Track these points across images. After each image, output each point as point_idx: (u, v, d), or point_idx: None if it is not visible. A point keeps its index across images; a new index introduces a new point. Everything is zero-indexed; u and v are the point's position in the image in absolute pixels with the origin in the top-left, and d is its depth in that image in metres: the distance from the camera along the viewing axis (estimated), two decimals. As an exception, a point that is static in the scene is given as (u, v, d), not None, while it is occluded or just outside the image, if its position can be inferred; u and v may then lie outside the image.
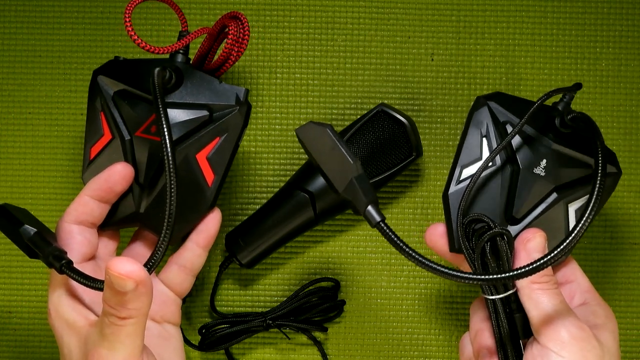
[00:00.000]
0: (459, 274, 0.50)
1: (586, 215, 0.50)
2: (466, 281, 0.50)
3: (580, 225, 0.50)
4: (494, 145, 0.57)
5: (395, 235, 0.51)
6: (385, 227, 0.51)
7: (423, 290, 0.70)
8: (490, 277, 0.49)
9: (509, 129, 0.57)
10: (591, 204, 0.51)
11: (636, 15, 0.70)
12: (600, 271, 0.70)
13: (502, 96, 0.59)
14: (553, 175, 0.56)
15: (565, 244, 0.50)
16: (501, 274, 0.49)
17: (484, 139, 0.57)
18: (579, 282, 0.57)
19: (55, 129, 0.70)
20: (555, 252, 0.49)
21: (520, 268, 0.49)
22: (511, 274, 0.49)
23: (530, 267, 0.49)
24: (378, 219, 0.52)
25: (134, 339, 0.51)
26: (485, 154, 0.57)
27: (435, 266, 0.50)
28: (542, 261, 0.49)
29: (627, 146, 0.70)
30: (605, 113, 0.70)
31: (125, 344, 0.51)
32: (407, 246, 0.51)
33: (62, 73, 0.70)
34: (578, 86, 0.57)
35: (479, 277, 0.50)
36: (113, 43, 0.70)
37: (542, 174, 0.56)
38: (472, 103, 0.59)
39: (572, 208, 0.57)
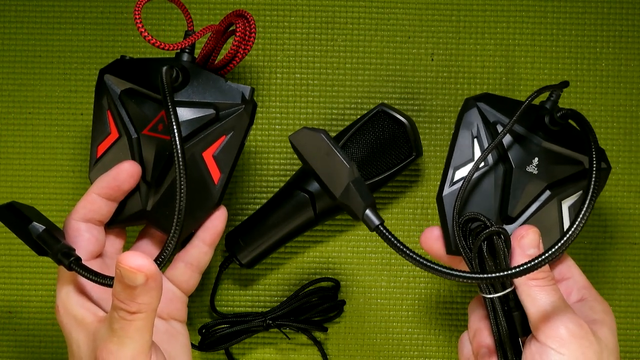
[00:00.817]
0: (458, 273, 0.50)
1: (583, 211, 0.50)
2: (466, 280, 0.50)
3: (577, 221, 0.50)
4: (486, 145, 0.57)
5: (395, 238, 0.51)
6: (384, 230, 0.51)
7: (423, 290, 0.70)
8: (490, 275, 0.49)
9: (500, 128, 0.57)
10: (587, 200, 0.51)
11: (636, 15, 0.70)
12: (600, 271, 0.70)
13: (490, 97, 0.59)
14: (545, 173, 0.56)
15: (564, 239, 0.50)
16: (500, 272, 0.49)
17: (475, 140, 0.57)
18: (575, 279, 0.57)
19: (55, 129, 0.70)
20: (555, 248, 0.49)
21: (520, 266, 0.49)
22: (510, 272, 0.49)
23: (530, 264, 0.49)
24: (377, 222, 0.52)
25: (143, 334, 0.51)
26: (477, 154, 0.57)
27: (436, 267, 0.50)
28: (541, 258, 0.49)
29: (627, 146, 0.70)
30: (605, 113, 0.70)
31: (135, 339, 0.51)
32: (407, 248, 0.50)
33: (62, 73, 0.70)
34: (565, 84, 0.57)
35: (479, 276, 0.50)
36: (113, 43, 0.70)
37: (535, 172, 0.56)
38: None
39: (565, 205, 0.57)
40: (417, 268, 0.70)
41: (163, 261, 0.54)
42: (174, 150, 0.53)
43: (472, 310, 0.58)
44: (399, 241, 0.51)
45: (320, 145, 0.54)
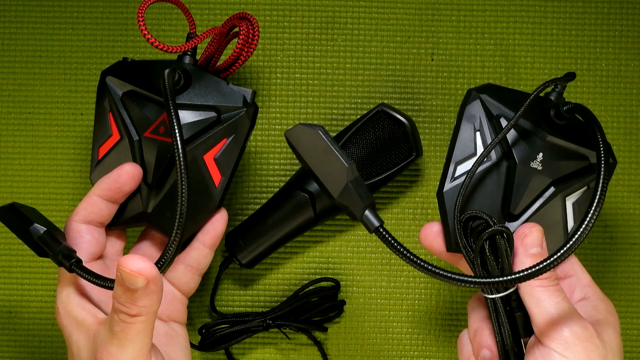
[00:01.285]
0: (461, 277, 0.48)
1: (592, 211, 0.49)
2: (469, 285, 0.49)
3: (587, 220, 0.48)
4: (488, 139, 0.55)
5: (395, 240, 0.50)
6: (384, 232, 0.50)
7: (423, 290, 0.70)
8: (494, 280, 0.48)
9: (503, 122, 0.55)
10: (596, 200, 0.49)
11: (636, 15, 0.70)
12: (600, 271, 0.70)
13: (493, 88, 0.57)
14: (550, 168, 0.55)
15: (573, 240, 0.48)
16: (504, 277, 0.48)
17: (478, 134, 0.56)
18: (578, 277, 0.56)
19: (55, 129, 0.70)
20: (563, 250, 0.48)
21: (525, 270, 0.48)
22: (515, 276, 0.48)
23: (535, 268, 0.47)
24: (377, 224, 0.50)
25: (143, 337, 0.51)
26: (480, 149, 0.55)
27: (438, 270, 0.48)
28: (548, 262, 0.47)
29: (627, 146, 0.70)
30: (605, 113, 0.70)
31: (135, 342, 0.51)
32: (407, 251, 0.49)
33: (62, 73, 0.70)
34: (571, 76, 0.56)
35: (482, 280, 0.48)
36: (113, 43, 0.70)
37: (539, 167, 0.55)
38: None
39: (570, 202, 0.56)
40: (417, 268, 0.70)
41: (164, 264, 0.54)
42: (176, 154, 0.53)
43: (472, 309, 0.57)
44: (399, 243, 0.50)
45: (317, 142, 0.52)
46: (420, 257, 0.50)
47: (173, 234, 0.53)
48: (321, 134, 0.52)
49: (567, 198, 0.56)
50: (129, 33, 0.70)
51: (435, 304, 0.70)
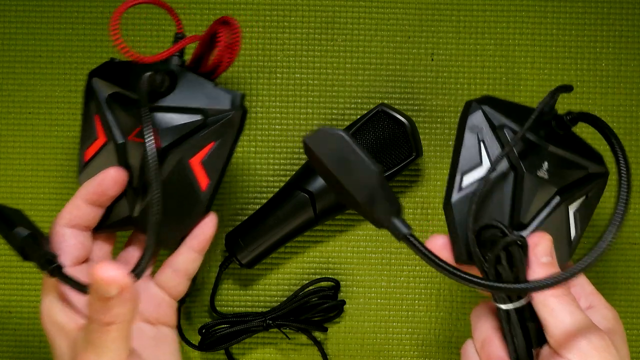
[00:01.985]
0: (496, 284, 0.49)
1: (619, 218, 0.49)
2: (502, 291, 0.49)
3: (615, 228, 0.49)
4: (493, 150, 0.55)
5: (426, 249, 0.49)
6: (414, 240, 0.49)
7: (423, 290, 0.70)
8: (529, 286, 0.49)
9: (507, 132, 0.55)
10: (623, 210, 0.49)
11: (636, 15, 0.70)
12: (600, 271, 0.70)
13: (492, 100, 0.57)
14: (555, 177, 0.55)
15: (601, 249, 0.48)
16: (539, 282, 0.48)
17: (482, 144, 0.55)
18: (582, 285, 0.56)
19: (55, 129, 0.70)
20: (590, 259, 0.48)
21: (557, 275, 0.48)
22: (550, 282, 0.48)
23: (567, 274, 0.48)
24: (406, 230, 0.49)
25: (119, 344, 0.50)
26: (485, 159, 0.55)
27: (471, 278, 0.48)
28: (582, 266, 0.48)
29: (627, 146, 0.70)
30: (605, 113, 0.70)
31: (111, 349, 0.50)
32: (438, 259, 0.49)
33: (62, 73, 0.70)
34: (568, 88, 0.56)
35: (516, 286, 0.49)
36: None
37: (546, 177, 0.55)
38: None
39: (572, 210, 0.56)
40: (417, 268, 0.70)
41: (140, 272, 0.52)
42: (150, 168, 0.53)
43: (477, 319, 0.56)
44: (429, 251, 0.49)
45: (342, 146, 0.50)
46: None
47: (147, 242, 0.52)
48: (347, 138, 0.50)
49: (570, 206, 0.56)
50: (128, 33, 0.70)
51: (435, 304, 0.70)
